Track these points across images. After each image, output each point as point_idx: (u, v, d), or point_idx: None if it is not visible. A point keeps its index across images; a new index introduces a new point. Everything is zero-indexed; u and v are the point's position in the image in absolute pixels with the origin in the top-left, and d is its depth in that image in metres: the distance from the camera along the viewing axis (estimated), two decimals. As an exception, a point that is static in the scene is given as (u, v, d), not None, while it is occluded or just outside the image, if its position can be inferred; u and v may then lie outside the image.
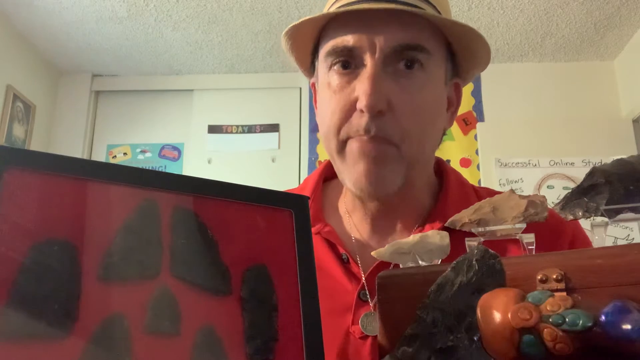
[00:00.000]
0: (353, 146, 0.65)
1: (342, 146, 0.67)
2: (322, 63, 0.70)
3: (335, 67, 0.67)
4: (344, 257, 0.70)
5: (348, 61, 0.66)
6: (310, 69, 0.77)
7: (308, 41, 0.72)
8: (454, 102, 0.75)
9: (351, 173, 0.67)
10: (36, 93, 2.99)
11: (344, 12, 0.65)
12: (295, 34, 0.70)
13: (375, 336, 0.64)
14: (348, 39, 0.65)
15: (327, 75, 0.68)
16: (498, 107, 3.03)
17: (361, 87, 0.63)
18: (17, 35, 2.82)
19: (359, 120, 0.64)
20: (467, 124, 3.02)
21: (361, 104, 0.63)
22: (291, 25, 0.68)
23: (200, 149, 3.12)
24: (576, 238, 0.70)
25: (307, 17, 0.66)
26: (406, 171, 0.67)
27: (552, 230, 0.67)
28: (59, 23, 2.74)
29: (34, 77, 2.98)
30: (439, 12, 0.67)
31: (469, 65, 0.73)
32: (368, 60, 0.64)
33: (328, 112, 0.67)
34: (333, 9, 0.67)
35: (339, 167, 0.70)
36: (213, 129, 3.15)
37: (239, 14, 2.67)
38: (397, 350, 0.43)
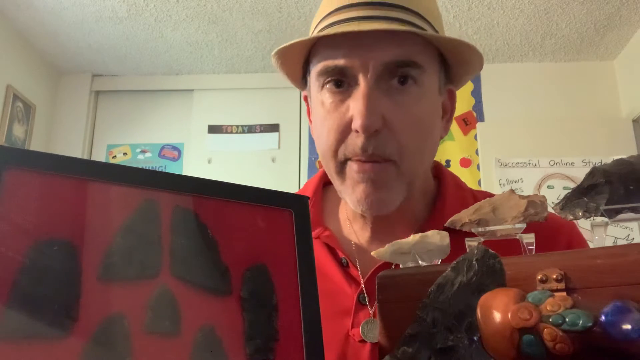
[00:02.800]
0: (352, 168, 0.65)
1: (341, 167, 0.67)
2: (314, 81, 0.69)
3: (327, 86, 0.66)
4: (343, 261, 0.71)
5: (341, 80, 0.65)
6: (301, 81, 0.76)
7: (298, 58, 0.71)
8: (448, 109, 0.74)
9: (351, 195, 0.66)
10: (36, 93, 2.99)
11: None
12: (285, 53, 0.69)
13: (375, 343, 0.64)
14: (340, 59, 0.64)
15: (320, 94, 0.68)
16: (498, 107, 3.02)
17: (355, 107, 0.63)
18: (17, 35, 2.82)
19: (355, 141, 0.64)
20: (467, 124, 3.02)
21: (356, 124, 0.62)
22: (280, 47, 0.67)
23: (200, 149, 3.12)
24: (573, 239, 0.70)
25: (297, 40, 0.66)
26: (406, 188, 0.67)
27: (549, 232, 0.67)
28: (59, 23, 2.74)
29: (34, 77, 2.98)
30: (428, 22, 0.66)
31: (461, 72, 0.73)
32: (361, 79, 0.63)
33: (324, 132, 0.67)
34: (322, 26, 0.67)
35: (338, 187, 0.69)
36: (213, 129, 3.15)
37: (239, 14, 2.67)
38: (397, 350, 0.43)
